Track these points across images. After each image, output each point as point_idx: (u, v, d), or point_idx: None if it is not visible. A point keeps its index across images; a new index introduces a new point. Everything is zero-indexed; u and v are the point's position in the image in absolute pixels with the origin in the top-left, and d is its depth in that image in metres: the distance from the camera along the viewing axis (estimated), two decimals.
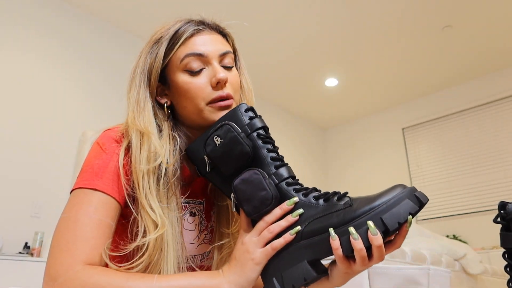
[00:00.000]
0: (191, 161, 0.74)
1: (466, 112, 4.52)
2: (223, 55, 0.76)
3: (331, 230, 0.58)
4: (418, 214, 4.57)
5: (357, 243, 0.56)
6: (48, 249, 2.16)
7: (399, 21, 3.57)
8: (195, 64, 0.72)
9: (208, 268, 0.80)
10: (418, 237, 2.70)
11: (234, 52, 0.82)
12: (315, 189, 0.65)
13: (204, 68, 0.73)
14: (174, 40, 0.74)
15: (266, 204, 0.63)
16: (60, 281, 0.57)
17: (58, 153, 2.92)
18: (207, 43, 0.74)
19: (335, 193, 0.63)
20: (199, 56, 0.73)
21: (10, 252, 2.43)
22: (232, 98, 0.75)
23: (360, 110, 5.28)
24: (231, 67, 0.77)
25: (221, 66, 0.75)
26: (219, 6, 3.23)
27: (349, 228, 0.56)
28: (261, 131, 0.67)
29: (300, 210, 0.62)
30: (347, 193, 0.62)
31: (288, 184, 0.65)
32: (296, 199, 0.63)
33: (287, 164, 0.68)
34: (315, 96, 4.89)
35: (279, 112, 5.11)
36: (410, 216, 0.56)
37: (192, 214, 0.79)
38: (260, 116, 0.70)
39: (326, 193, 0.63)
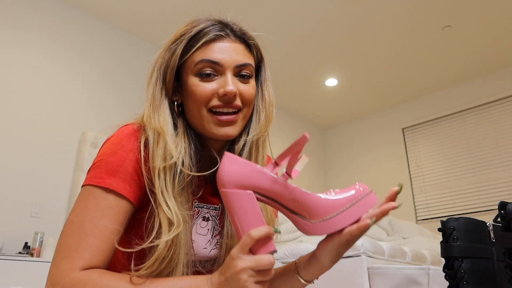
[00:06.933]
0: None
1: (466, 112, 4.51)
2: (240, 67, 0.74)
3: None
4: (418, 214, 4.57)
5: None
6: (48, 249, 2.16)
7: (399, 21, 3.57)
8: (208, 70, 0.71)
9: None
10: (418, 237, 2.70)
11: (260, 62, 0.81)
12: None
13: (217, 76, 0.72)
14: (194, 41, 0.72)
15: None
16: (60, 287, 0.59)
17: (58, 153, 2.92)
18: (225, 51, 0.72)
19: None
20: (214, 63, 0.71)
21: (10, 252, 2.42)
22: (240, 110, 0.74)
23: (360, 110, 5.27)
24: (249, 78, 0.76)
25: (237, 77, 0.74)
26: (220, 5, 3.23)
27: None
28: None
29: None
30: None
31: None
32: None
33: None
34: (315, 96, 4.89)
35: (279, 112, 5.09)
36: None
37: (205, 219, 0.78)
38: None
39: None
